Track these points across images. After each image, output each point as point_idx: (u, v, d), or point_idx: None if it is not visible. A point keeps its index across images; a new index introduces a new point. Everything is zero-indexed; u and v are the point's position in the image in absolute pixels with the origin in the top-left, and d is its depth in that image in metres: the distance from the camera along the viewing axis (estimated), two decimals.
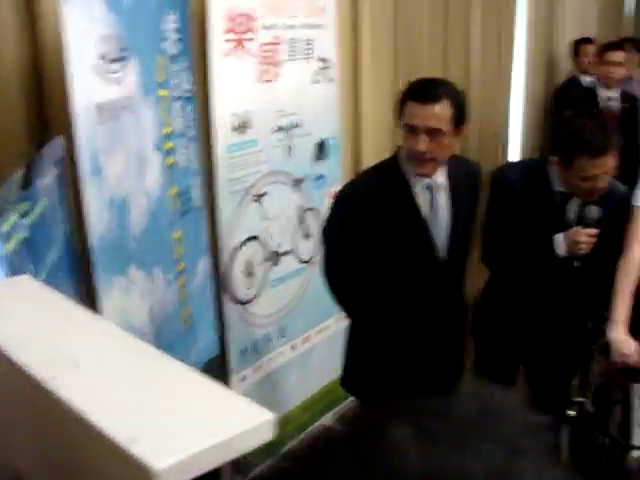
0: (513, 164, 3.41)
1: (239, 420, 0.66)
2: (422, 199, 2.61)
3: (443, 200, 2.66)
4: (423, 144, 2.46)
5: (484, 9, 5.04)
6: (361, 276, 2.66)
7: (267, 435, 0.68)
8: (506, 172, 2.92)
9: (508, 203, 2.79)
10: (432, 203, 2.64)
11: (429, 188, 2.62)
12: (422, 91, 2.48)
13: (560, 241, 2.72)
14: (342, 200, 2.68)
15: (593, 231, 2.71)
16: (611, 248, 2.81)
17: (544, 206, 2.77)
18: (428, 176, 2.58)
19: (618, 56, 5.09)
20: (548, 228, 2.75)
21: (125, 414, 0.70)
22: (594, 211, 2.73)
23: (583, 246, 2.70)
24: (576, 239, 2.69)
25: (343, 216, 2.64)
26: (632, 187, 2.96)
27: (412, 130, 2.48)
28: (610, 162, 2.62)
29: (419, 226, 2.62)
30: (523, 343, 3.01)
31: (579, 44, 5.98)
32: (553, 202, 2.78)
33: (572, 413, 3.40)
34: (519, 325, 2.96)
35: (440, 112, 2.45)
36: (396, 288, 2.67)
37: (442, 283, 2.74)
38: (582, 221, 2.75)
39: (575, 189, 2.70)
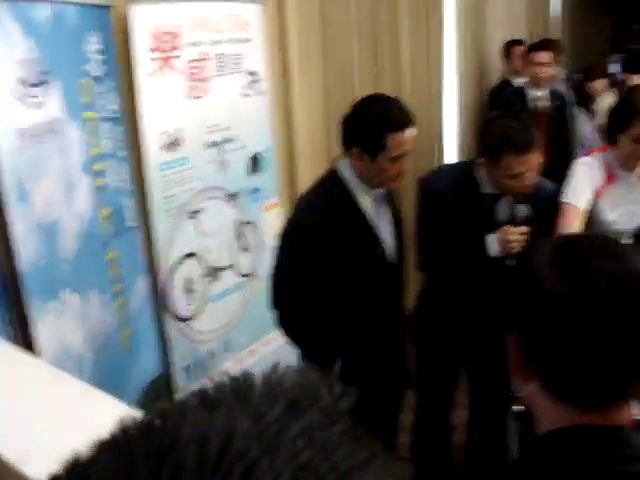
0: (440, 171, 3.43)
1: None
2: (369, 209, 2.65)
3: (385, 207, 2.72)
4: (410, 163, 2.63)
5: (412, 15, 5.10)
6: (318, 306, 2.65)
7: None
8: (434, 181, 2.95)
9: (438, 212, 2.84)
10: (378, 212, 2.69)
11: (376, 198, 2.66)
12: (402, 120, 2.51)
13: (492, 241, 2.78)
14: (299, 234, 2.62)
15: (523, 229, 2.77)
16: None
17: (474, 209, 2.83)
18: None
19: (544, 56, 5.21)
20: (480, 230, 2.80)
21: (20, 436, 0.71)
22: (522, 210, 2.80)
23: (515, 244, 2.75)
24: (507, 238, 2.75)
25: (303, 250, 2.59)
26: (562, 183, 3.03)
27: (402, 157, 2.55)
28: (535, 159, 2.69)
29: (371, 236, 2.66)
30: (463, 344, 3.06)
31: (510, 46, 6.10)
32: (483, 204, 2.83)
33: (518, 408, 3.46)
34: (458, 327, 3.01)
35: (415, 131, 2.59)
36: (351, 303, 2.68)
37: (393, 288, 2.80)
38: (512, 220, 2.81)
39: (504, 188, 2.76)
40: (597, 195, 2.97)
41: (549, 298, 0.99)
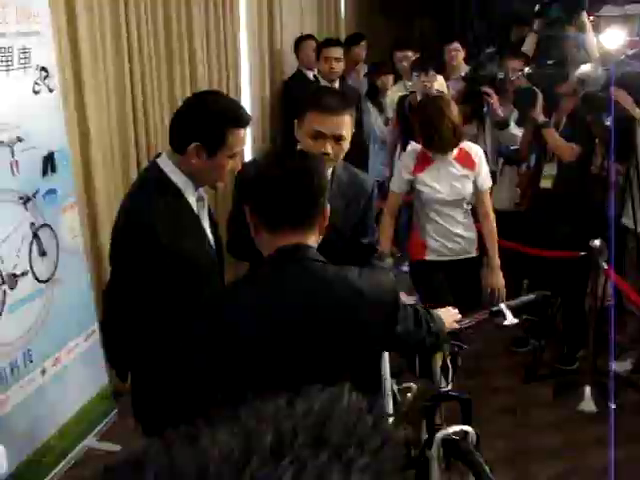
0: (254, 162, 3.37)
1: None
2: (195, 207, 2.55)
3: (204, 206, 2.64)
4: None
5: (206, 11, 5.07)
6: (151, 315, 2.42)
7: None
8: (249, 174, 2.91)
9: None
10: (200, 211, 2.61)
11: (199, 197, 2.57)
12: (243, 117, 2.45)
13: None
14: (135, 236, 2.41)
15: None
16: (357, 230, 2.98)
17: None
18: None
19: (336, 52, 5.38)
20: None
21: None
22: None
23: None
24: None
25: (142, 252, 2.40)
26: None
27: (238, 154, 2.56)
28: (341, 125, 2.70)
29: (202, 236, 2.59)
30: None
31: (300, 41, 6.23)
32: None
33: None
34: None
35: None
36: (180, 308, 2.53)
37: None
38: None
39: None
40: (414, 172, 3.78)
41: (258, 175, 1.94)
